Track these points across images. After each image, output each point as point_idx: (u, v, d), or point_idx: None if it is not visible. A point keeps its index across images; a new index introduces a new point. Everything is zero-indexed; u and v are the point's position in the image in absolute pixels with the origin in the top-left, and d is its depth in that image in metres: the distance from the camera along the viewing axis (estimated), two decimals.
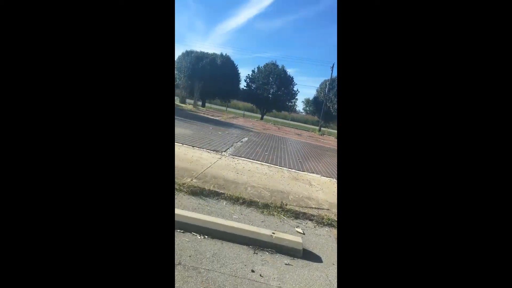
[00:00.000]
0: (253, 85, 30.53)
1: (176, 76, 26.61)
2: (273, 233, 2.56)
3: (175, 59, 27.72)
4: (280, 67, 30.15)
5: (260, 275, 2.05)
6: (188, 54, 27.16)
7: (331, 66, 29.94)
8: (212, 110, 24.81)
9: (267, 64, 30.60)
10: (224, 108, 31.09)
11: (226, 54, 29.71)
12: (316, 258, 2.45)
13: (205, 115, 16.73)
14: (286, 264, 2.26)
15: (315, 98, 32.60)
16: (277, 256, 2.37)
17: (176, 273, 1.87)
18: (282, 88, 29.92)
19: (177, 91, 24.58)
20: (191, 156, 4.90)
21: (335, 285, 2.10)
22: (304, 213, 3.30)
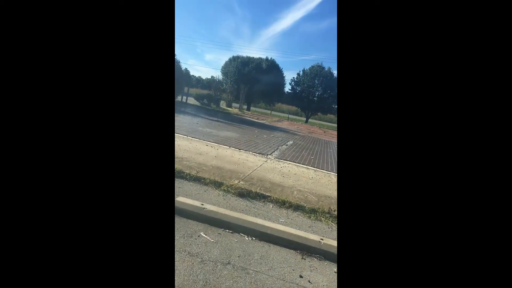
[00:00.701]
0: (298, 88, 30.12)
1: (223, 81, 27.54)
2: (322, 239, 2.50)
3: (222, 65, 28.77)
4: (326, 69, 29.37)
5: (309, 281, 2.01)
6: (234, 59, 27.82)
7: None
8: (257, 113, 25.14)
9: (312, 67, 29.96)
10: (268, 111, 31.30)
11: (271, 58, 29.50)
12: None
13: (251, 119, 17.03)
14: (335, 272, 2.18)
15: None
16: (326, 263, 2.30)
17: (225, 272, 1.93)
18: (328, 91, 29.02)
19: (224, 95, 25.42)
20: (237, 159, 5.02)
21: None
22: None
